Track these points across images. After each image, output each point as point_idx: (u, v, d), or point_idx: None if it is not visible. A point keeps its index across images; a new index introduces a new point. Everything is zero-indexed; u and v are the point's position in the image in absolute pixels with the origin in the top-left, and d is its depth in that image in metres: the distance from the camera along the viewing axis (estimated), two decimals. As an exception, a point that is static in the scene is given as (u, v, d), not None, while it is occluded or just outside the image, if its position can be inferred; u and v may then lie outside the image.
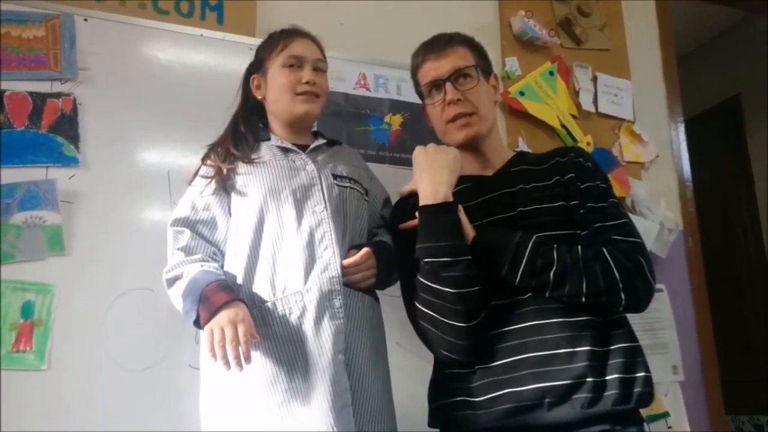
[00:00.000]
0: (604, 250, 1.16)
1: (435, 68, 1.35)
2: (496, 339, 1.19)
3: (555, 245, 1.17)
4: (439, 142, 1.35)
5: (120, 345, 1.49)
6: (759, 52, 3.56)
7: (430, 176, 1.22)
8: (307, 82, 1.36)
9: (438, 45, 1.37)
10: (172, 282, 1.26)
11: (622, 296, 1.14)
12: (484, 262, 1.18)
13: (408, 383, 1.42)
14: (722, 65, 3.77)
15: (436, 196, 1.19)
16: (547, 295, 1.16)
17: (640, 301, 1.17)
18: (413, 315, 1.26)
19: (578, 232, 1.22)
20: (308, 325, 1.21)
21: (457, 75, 1.34)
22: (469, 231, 1.21)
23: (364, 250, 1.31)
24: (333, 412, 1.15)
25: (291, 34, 1.43)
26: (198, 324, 1.19)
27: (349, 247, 1.32)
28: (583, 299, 1.14)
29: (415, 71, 1.43)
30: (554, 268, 1.14)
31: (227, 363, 1.11)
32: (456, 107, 1.33)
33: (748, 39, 3.62)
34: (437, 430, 1.30)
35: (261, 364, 1.20)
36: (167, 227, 1.33)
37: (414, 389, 1.38)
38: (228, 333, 1.11)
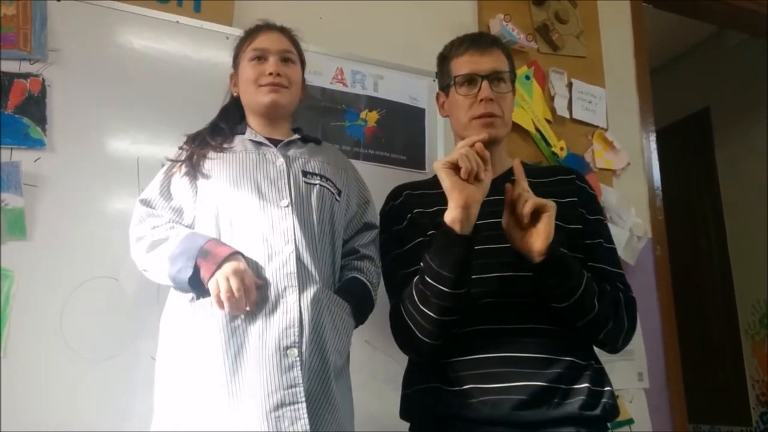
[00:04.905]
0: (622, 298, 1.27)
1: (476, 63, 1.35)
2: (475, 334, 1.21)
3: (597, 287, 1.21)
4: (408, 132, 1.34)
5: (80, 334, 1.44)
6: (729, 67, 3.64)
7: (462, 201, 1.14)
8: (270, 74, 1.36)
9: (484, 42, 1.38)
10: (155, 245, 1.25)
11: (620, 346, 1.27)
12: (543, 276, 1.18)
13: (376, 381, 1.41)
14: (693, 78, 3.84)
15: (456, 224, 1.14)
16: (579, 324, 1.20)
17: (620, 348, 1.28)
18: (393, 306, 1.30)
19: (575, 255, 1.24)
20: (259, 319, 1.19)
21: (495, 76, 1.34)
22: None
23: None
24: (263, 408, 1.13)
25: (259, 28, 1.44)
26: (191, 283, 1.19)
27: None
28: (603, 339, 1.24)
29: (449, 58, 1.40)
30: (596, 309, 1.19)
31: (235, 310, 1.17)
32: (487, 106, 1.32)
33: (718, 54, 3.70)
34: (407, 425, 1.30)
35: (208, 358, 1.17)
36: (136, 203, 1.33)
37: (381, 387, 1.37)
38: (234, 283, 1.15)
